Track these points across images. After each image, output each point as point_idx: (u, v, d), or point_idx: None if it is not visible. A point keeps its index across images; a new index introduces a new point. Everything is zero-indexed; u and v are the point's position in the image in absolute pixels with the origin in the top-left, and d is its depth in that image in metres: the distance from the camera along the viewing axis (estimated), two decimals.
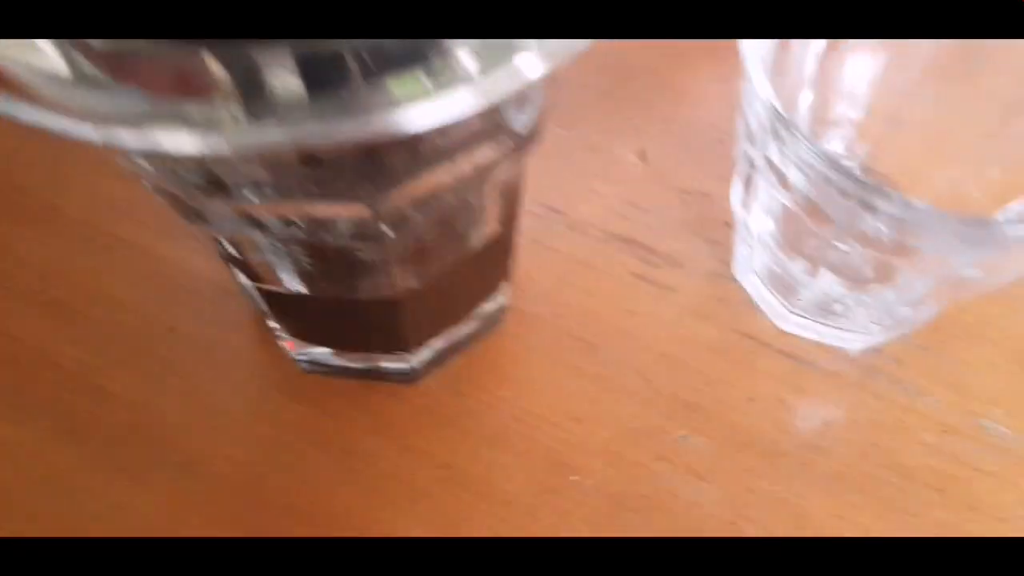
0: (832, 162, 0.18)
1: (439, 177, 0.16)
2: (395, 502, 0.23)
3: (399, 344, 0.23)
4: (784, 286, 0.24)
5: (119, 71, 0.12)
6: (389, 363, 0.24)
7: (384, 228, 0.16)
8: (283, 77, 0.11)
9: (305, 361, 0.25)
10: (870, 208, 0.18)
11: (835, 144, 0.26)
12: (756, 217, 0.23)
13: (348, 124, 0.11)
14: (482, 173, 0.17)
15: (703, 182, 0.28)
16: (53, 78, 0.12)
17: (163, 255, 0.27)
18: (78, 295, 0.26)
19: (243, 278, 0.21)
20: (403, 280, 0.19)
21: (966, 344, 0.25)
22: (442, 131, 0.15)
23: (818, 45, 0.23)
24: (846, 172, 0.18)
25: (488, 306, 0.25)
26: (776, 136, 0.19)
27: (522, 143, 0.17)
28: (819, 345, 0.25)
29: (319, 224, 0.16)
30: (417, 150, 0.15)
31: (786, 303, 0.24)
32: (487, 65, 0.12)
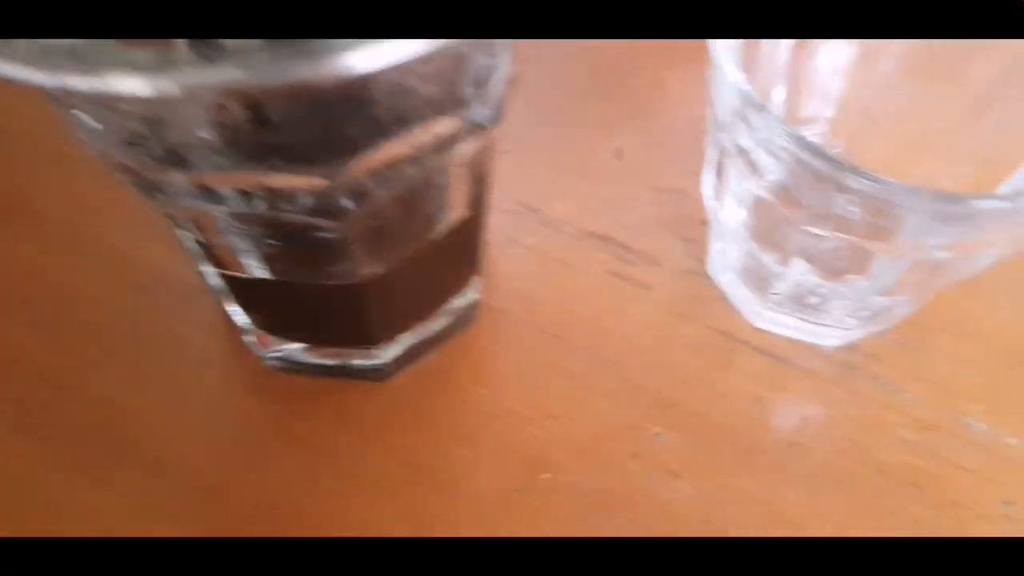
0: (803, 142, 0.18)
1: (397, 148, 0.15)
2: (365, 502, 0.22)
3: (365, 336, 0.22)
4: (759, 279, 0.24)
5: None
6: (359, 360, 0.24)
7: (344, 202, 0.16)
8: None
9: (274, 359, 0.24)
10: (842, 188, 0.18)
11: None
12: (728, 209, 0.23)
13: (297, 65, 0.11)
14: (442, 147, 0.16)
15: (679, 180, 0.28)
16: None
17: (134, 254, 0.27)
18: (48, 293, 0.26)
19: (210, 270, 0.21)
20: (367, 265, 0.19)
21: (944, 340, 0.25)
22: (395, 96, 0.14)
23: (788, 40, 0.23)
24: (817, 151, 0.18)
25: (459, 301, 0.24)
26: (745, 120, 0.19)
27: (482, 120, 0.17)
28: (796, 342, 0.25)
29: (277, 196, 0.16)
30: (373, 117, 0.15)
31: (761, 298, 0.24)
32: None
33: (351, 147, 0.15)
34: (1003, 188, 0.22)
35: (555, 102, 0.31)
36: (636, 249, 0.27)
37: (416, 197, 0.18)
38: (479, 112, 0.17)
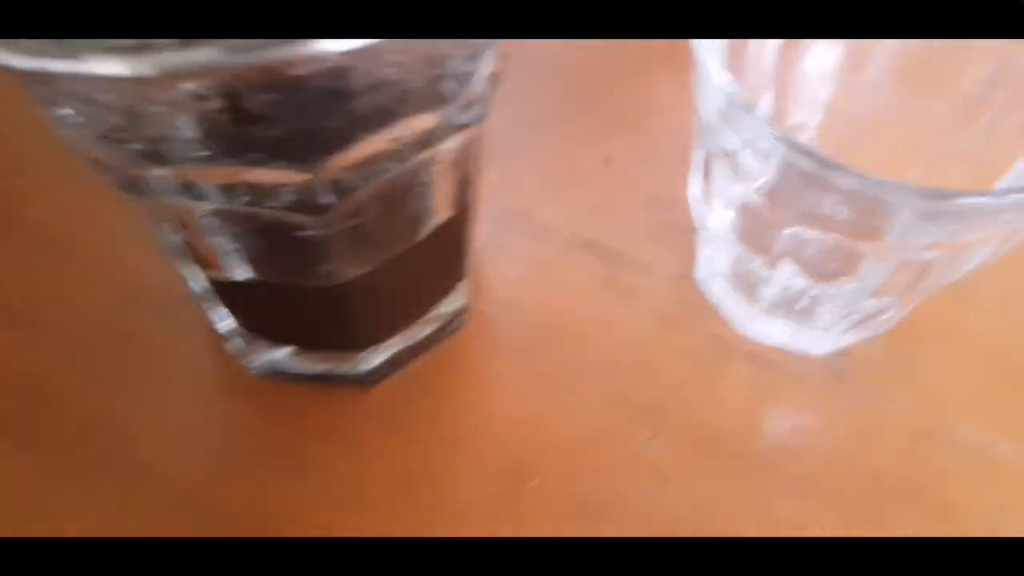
0: (789, 142, 0.18)
1: (378, 143, 0.15)
2: (349, 509, 0.22)
3: (350, 341, 0.22)
4: (748, 285, 0.24)
5: None
6: (344, 367, 0.23)
7: (325, 197, 0.16)
8: None
9: (258, 367, 0.24)
10: (830, 187, 0.18)
11: None
12: (716, 213, 0.23)
13: (272, 47, 0.11)
14: (423, 143, 0.16)
15: (669, 187, 0.28)
16: None
17: (119, 261, 0.27)
18: (32, 300, 0.26)
19: (193, 273, 0.21)
20: (351, 265, 0.19)
21: (935, 347, 0.25)
22: (375, 90, 0.14)
23: (775, 43, 0.23)
24: (804, 149, 0.17)
25: (446, 307, 0.24)
26: (731, 122, 0.19)
27: (465, 117, 0.17)
28: (786, 349, 0.25)
29: (259, 192, 0.16)
30: (353, 111, 0.14)
31: (750, 304, 0.24)
32: None
33: (332, 141, 0.15)
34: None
35: (544, 109, 0.31)
36: (626, 256, 0.27)
37: (399, 196, 0.18)
38: (461, 109, 0.17)
